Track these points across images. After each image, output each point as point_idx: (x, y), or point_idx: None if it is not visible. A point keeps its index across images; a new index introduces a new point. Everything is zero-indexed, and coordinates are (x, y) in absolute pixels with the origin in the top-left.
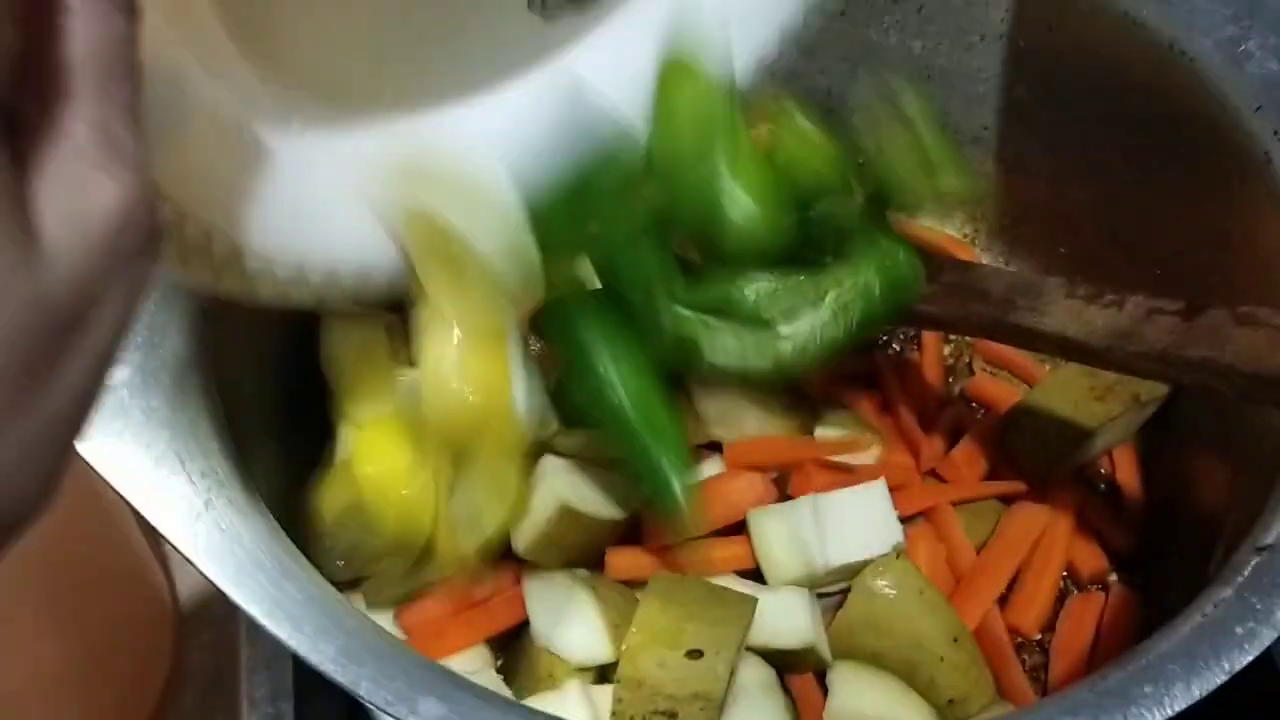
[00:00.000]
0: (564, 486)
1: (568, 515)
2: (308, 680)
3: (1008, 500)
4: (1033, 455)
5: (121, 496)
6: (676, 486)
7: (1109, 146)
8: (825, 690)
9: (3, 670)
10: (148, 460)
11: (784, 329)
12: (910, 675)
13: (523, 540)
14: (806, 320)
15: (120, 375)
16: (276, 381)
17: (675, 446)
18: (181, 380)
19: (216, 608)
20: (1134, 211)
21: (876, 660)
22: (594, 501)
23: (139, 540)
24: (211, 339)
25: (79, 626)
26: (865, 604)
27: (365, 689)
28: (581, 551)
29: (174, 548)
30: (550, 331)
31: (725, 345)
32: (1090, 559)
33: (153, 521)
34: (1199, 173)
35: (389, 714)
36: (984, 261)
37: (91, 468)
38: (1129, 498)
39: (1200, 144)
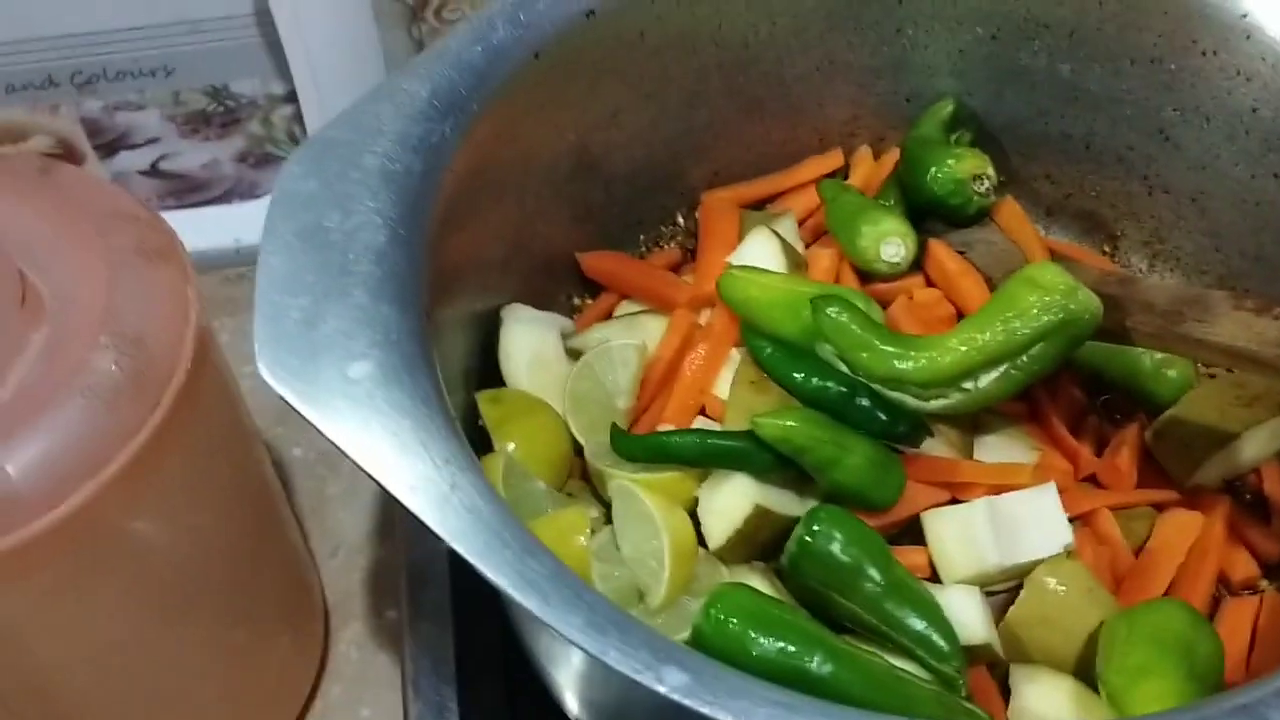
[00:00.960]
0: (756, 491)
1: (761, 515)
2: (470, 667)
3: (1159, 508)
4: (1180, 461)
5: (379, 484)
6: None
7: (1260, 168)
8: (1001, 686)
9: (176, 655)
10: (395, 447)
11: (966, 384)
12: (1079, 669)
13: (716, 540)
14: (984, 379)
15: (364, 369)
16: (465, 377)
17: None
18: (416, 375)
19: (361, 603)
20: None
21: (1047, 655)
22: (783, 501)
23: (295, 535)
24: (433, 337)
25: (248, 615)
26: (1038, 600)
27: (613, 657)
28: (765, 547)
29: (427, 527)
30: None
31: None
32: (1242, 565)
33: (407, 504)
34: None
35: (638, 681)
36: None
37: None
38: (1276, 507)
39: None
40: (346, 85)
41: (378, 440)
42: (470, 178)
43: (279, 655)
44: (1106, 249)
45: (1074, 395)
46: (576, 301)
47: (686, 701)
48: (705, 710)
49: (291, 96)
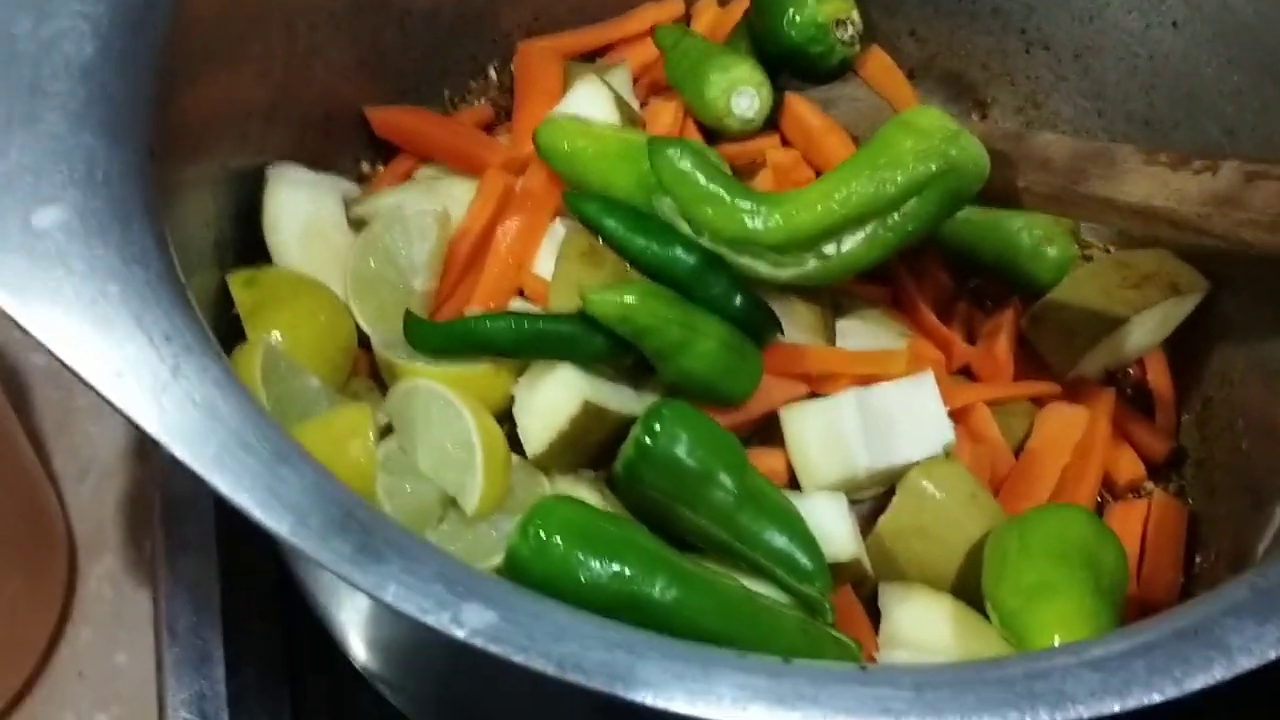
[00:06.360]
0: (585, 384)
1: (591, 414)
2: (239, 609)
3: (1037, 403)
4: (1061, 350)
5: (68, 367)
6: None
7: (1156, 15)
8: (868, 607)
9: None
10: (95, 319)
11: (826, 248)
12: (959, 586)
13: (536, 445)
14: (848, 242)
15: (54, 216)
16: (218, 250)
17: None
18: (130, 227)
19: (115, 533)
20: (1175, 87)
21: (922, 570)
22: (617, 396)
23: (25, 451)
24: (160, 183)
25: None
26: (913, 508)
27: (394, 593)
28: (595, 452)
29: (139, 428)
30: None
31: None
32: (1128, 465)
33: (106, 394)
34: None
35: (425, 623)
36: None
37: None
38: (1162, 401)
39: None
40: None
41: (70, 309)
42: None
43: (7, 597)
44: (975, 116)
45: (941, 280)
46: (365, 168)
47: (493, 648)
48: (518, 659)
49: None
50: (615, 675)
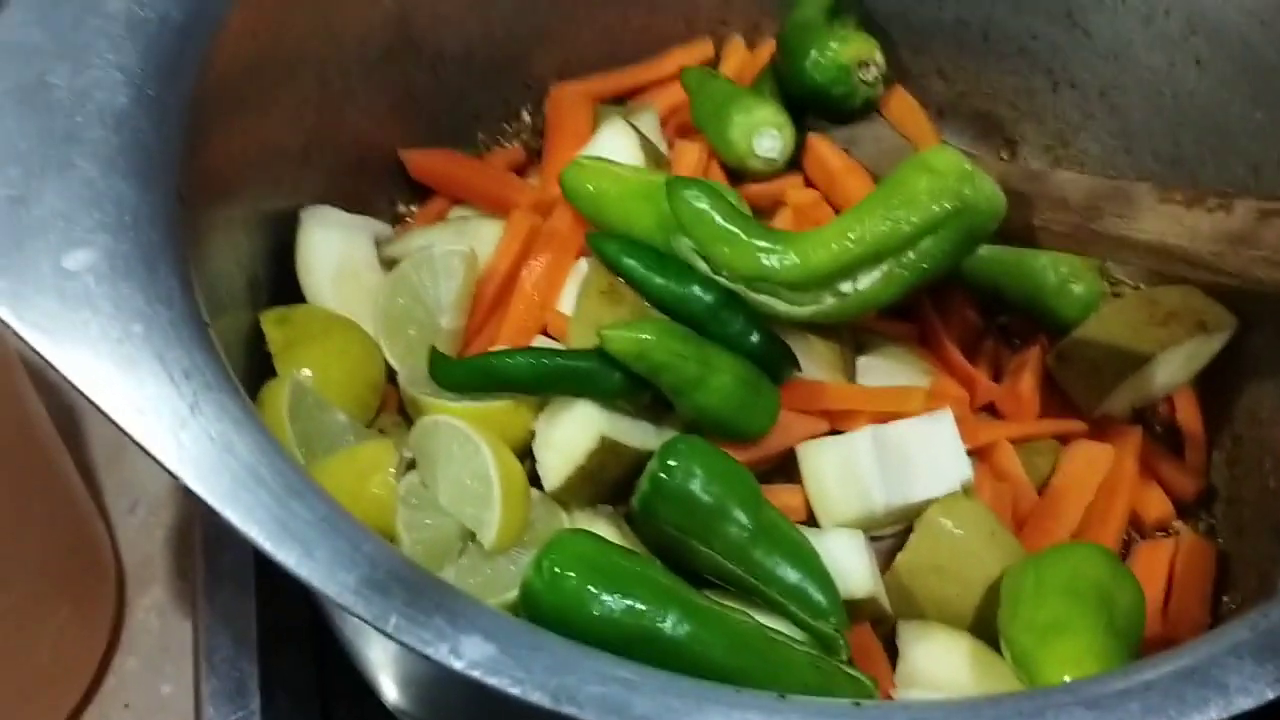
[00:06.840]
0: (602, 420)
1: (607, 448)
2: (275, 641)
3: (1063, 441)
4: (1087, 387)
5: (92, 403)
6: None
7: (1179, 54)
8: (887, 645)
9: None
10: (119, 358)
11: (843, 286)
12: (978, 625)
13: (554, 479)
14: (864, 280)
15: (84, 259)
16: (251, 290)
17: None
18: (156, 269)
19: (163, 565)
20: (1201, 125)
21: (940, 608)
22: (635, 432)
23: (79, 489)
24: (189, 227)
25: (8, 580)
26: (931, 545)
27: (395, 625)
28: (613, 487)
29: (157, 461)
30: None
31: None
32: (1155, 504)
33: (127, 429)
34: None
35: (425, 655)
36: None
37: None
38: (1191, 439)
39: None
40: None
41: (97, 348)
42: (251, 41)
43: (55, 626)
44: (1004, 155)
45: (968, 317)
46: (400, 209)
47: (490, 681)
48: (515, 691)
49: None
50: (609, 708)
